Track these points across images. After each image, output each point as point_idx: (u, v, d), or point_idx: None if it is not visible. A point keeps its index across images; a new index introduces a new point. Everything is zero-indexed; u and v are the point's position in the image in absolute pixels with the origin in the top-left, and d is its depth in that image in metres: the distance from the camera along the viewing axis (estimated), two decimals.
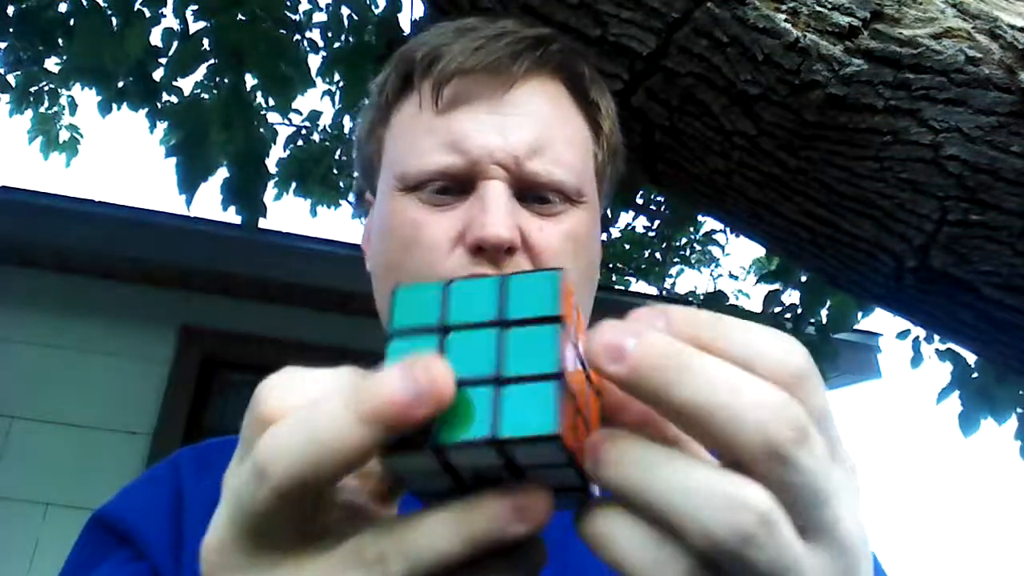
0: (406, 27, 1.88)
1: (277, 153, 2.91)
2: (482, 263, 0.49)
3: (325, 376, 0.26)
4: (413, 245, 0.51)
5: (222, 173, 1.84)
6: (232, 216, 1.93)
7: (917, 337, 2.75)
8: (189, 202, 1.69)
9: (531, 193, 0.52)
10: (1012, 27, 0.72)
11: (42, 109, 2.68)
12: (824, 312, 2.38)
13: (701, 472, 0.23)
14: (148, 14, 1.78)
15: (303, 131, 2.96)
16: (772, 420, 0.23)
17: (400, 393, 0.22)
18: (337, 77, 2.45)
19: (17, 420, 2.80)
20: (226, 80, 1.76)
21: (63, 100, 2.72)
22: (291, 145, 2.99)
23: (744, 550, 0.22)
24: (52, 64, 2.35)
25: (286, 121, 2.74)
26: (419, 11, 1.90)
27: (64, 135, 2.87)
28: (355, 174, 0.66)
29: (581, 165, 0.55)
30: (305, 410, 0.24)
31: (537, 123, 0.53)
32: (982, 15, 0.74)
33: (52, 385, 2.85)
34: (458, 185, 0.52)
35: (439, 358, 0.23)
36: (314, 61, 2.36)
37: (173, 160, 1.69)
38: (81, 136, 2.88)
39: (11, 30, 1.96)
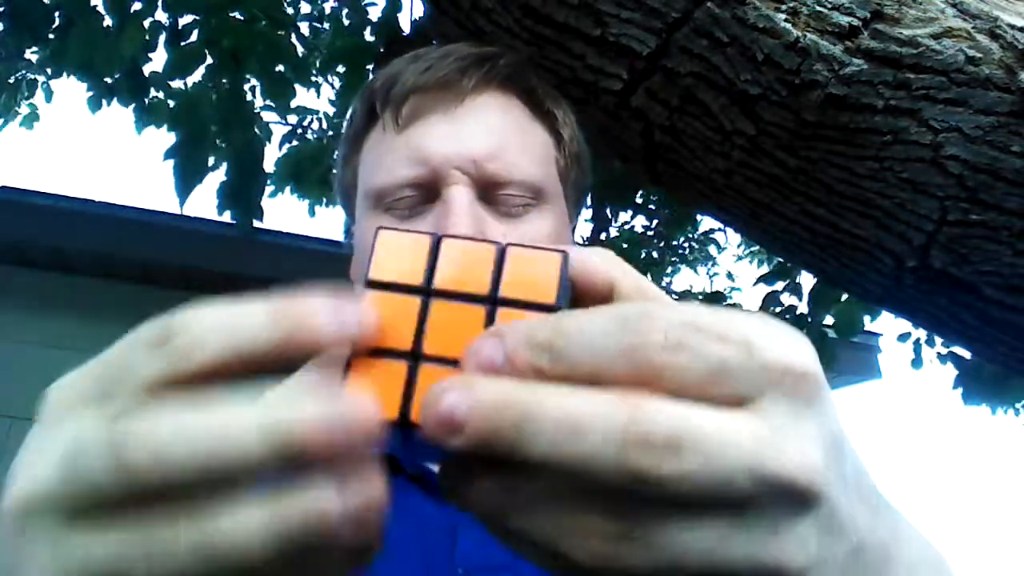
0: (406, 27, 1.88)
1: (273, 152, 2.91)
2: None
3: (246, 325, 0.23)
4: None
5: (219, 174, 1.83)
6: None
7: (918, 340, 2.75)
8: (183, 203, 1.69)
9: (494, 194, 0.54)
10: (1012, 27, 0.72)
11: (22, 101, 2.66)
12: (830, 317, 2.37)
13: (585, 402, 0.20)
14: (142, 6, 1.77)
15: (299, 130, 2.96)
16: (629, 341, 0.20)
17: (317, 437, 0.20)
18: (335, 76, 2.44)
19: (17, 420, 2.80)
20: (224, 80, 1.75)
21: (39, 91, 2.69)
22: (287, 144, 2.99)
23: (680, 467, 0.19)
24: (37, 56, 2.33)
25: (283, 121, 2.73)
26: (419, 11, 1.90)
27: (24, 110, 2.82)
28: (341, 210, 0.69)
29: (542, 167, 0.57)
30: (208, 420, 0.20)
31: (492, 130, 0.55)
32: (982, 15, 0.73)
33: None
34: (424, 195, 0.54)
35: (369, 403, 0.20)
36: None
37: (170, 161, 1.69)
38: (39, 116, 2.84)
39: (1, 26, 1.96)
